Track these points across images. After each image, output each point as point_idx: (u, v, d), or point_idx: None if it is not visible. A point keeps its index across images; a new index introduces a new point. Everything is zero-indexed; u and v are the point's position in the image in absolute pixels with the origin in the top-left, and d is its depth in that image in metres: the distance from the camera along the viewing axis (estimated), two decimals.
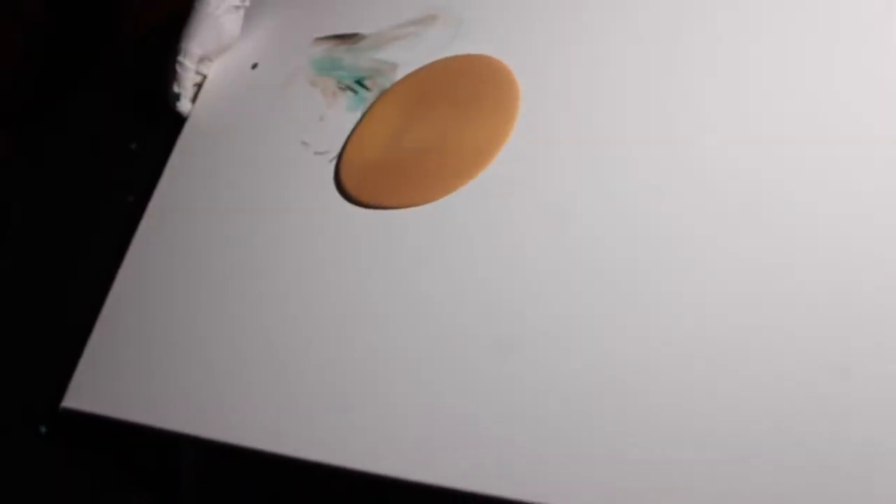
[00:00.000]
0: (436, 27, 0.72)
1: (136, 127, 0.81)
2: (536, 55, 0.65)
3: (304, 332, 0.58)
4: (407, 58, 0.71)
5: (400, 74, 0.71)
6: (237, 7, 0.78)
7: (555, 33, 0.66)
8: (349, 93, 0.72)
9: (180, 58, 0.76)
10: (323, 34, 0.77)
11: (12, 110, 0.89)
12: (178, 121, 0.78)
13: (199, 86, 0.79)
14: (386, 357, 0.54)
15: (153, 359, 0.62)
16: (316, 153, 0.69)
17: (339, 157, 0.68)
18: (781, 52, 0.56)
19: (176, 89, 0.76)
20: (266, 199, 0.68)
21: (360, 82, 0.72)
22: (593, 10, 0.65)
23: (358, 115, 0.70)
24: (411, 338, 0.53)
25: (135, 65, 0.87)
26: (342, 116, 0.70)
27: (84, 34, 0.92)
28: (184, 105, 0.77)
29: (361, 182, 0.65)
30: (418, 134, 0.66)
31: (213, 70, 0.80)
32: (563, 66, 0.63)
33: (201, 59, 0.78)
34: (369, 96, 0.71)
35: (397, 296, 0.56)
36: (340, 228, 0.63)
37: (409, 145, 0.66)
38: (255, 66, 0.79)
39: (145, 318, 0.65)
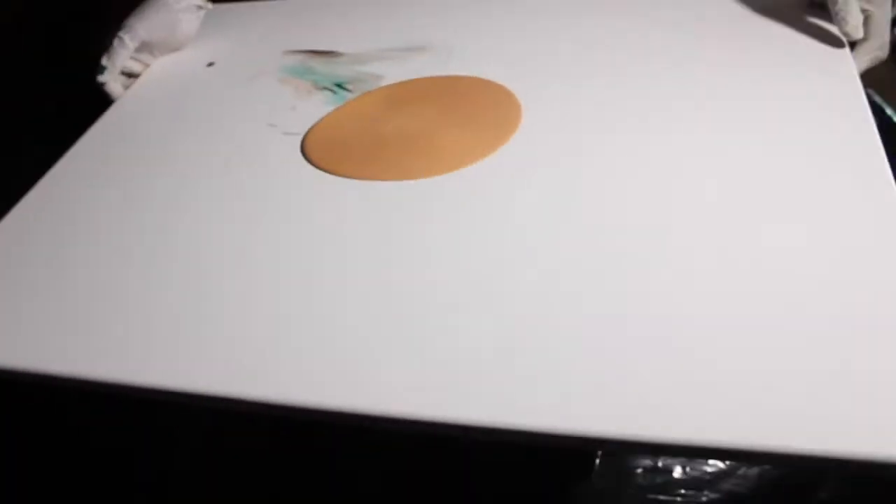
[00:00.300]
0: (426, 55, 0.67)
1: None
2: (534, 84, 0.60)
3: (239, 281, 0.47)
4: (394, 73, 0.65)
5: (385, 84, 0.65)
6: (198, 7, 0.71)
7: (549, 66, 0.63)
8: (327, 92, 0.64)
9: (122, 33, 0.67)
10: (294, 48, 0.70)
11: None
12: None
13: (132, 75, 0.70)
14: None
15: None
16: (286, 133, 0.60)
17: (308, 132, 0.60)
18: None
19: (104, 61, 0.66)
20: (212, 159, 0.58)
21: (340, 85, 0.65)
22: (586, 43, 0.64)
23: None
24: (351, 294, 0.45)
25: None
26: (317, 108, 0.63)
27: None
28: (109, 82, 0.67)
29: (329, 154, 0.57)
30: (401, 124, 0.59)
31: (156, 65, 0.70)
32: (558, 96, 0.59)
33: (143, 45, 0.69)
34: (350, 97, 0.63)
35: (350, 257, 0.48)
36: (300, 187, 0.55)
37: (389, 131, 0.59)
38: (210, 64, 0.69)
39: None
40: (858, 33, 0.55)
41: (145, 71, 0.70)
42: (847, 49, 0.56)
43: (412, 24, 0.71)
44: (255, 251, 0.50)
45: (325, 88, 0.64)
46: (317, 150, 0.58)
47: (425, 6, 0.73)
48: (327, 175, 0.55)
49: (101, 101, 0.67)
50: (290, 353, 0.42)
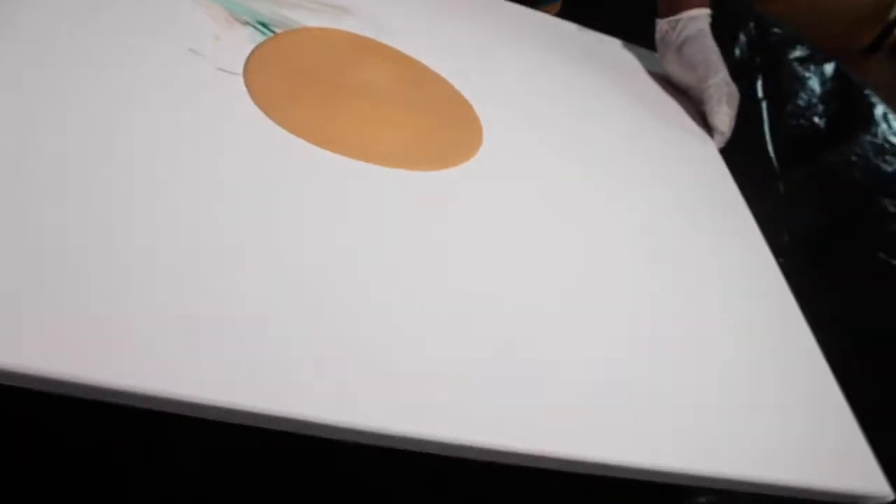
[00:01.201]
0: (352, 18, 0.65)
1: None
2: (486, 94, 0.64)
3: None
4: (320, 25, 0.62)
5: None
6: None
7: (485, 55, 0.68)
8: (249, 28, 0.59)
9: None
10: None
11: None
12: None
13: None
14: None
15: None
16: (219, 69, 0.53)
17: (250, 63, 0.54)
18: None
19: None
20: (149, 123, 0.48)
21: (264, 24, 0.60)
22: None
23: None
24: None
25: None
26: (245, 44, 0.57)
27: None
28: None
29: (284, 103, 0.52)
30: (365, 81, 0.58)
31: None
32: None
33: None
34: None
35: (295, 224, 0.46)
36: (254, 148, 0.49)
37: (351, 86, 0.57)
38: None
39: None
40: (724, 128, 0.68)
41: None
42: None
43: None
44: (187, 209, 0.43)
45: (248, 24, 0.59)
46: (269, 97, 0.51)
47: None
48: (285, 133, 0.50)
49: None
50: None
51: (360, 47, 0.62)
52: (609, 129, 0.68)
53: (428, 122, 0.58)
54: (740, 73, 0.77)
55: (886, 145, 0.72)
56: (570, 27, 0.80)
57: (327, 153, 0.50)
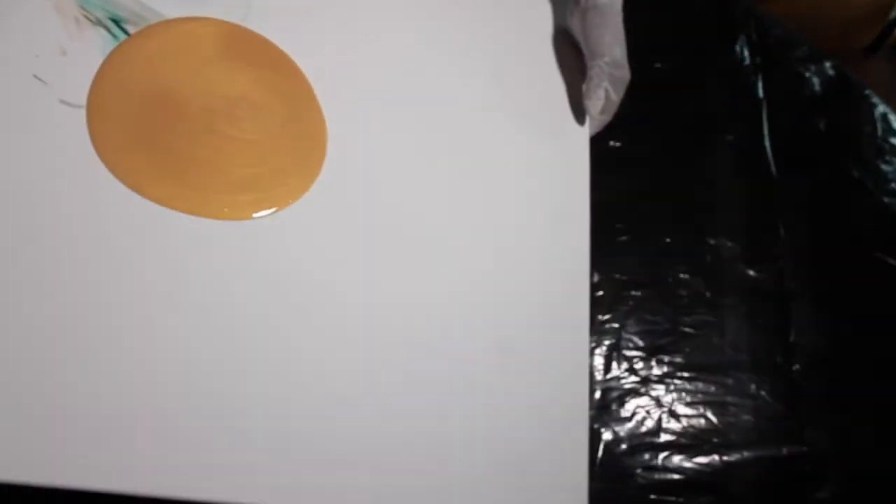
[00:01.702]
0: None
1: None
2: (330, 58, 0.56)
3: None
4: (182, 14, 0.53)
5: None
6: None
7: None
8: (101, 30, 0.49)
9: None
10: None
11: None
12: None
13: None
14: None
15: None
16: (62, 101, 0.46)
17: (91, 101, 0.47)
18: None
19: None
20: None
21: (118, 23, 0.50)
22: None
23: None
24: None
25: None
26: (94, 54, 0.48)
27: None
28: None
29: (123, 150, 0.47)
30: (200, 113, 0.50)
31: None
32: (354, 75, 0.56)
33: None
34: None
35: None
36: (94, 204, 0.45)
37: (187, 124, 0.49)
38: None
39: None
40: (594, 112, 0.61)
41: None
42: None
43: None
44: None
45: (100, 24, 0.49)
46: (112, 150, 0.46)
47: None
48: (126, 191, 0.45)
49: None
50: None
51: (220, 43, 0.53)
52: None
53: (272, 144, 0.51)
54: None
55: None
56: None
57: (166, 211, 0.46)
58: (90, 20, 0.49)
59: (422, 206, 0.53)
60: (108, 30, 0.49)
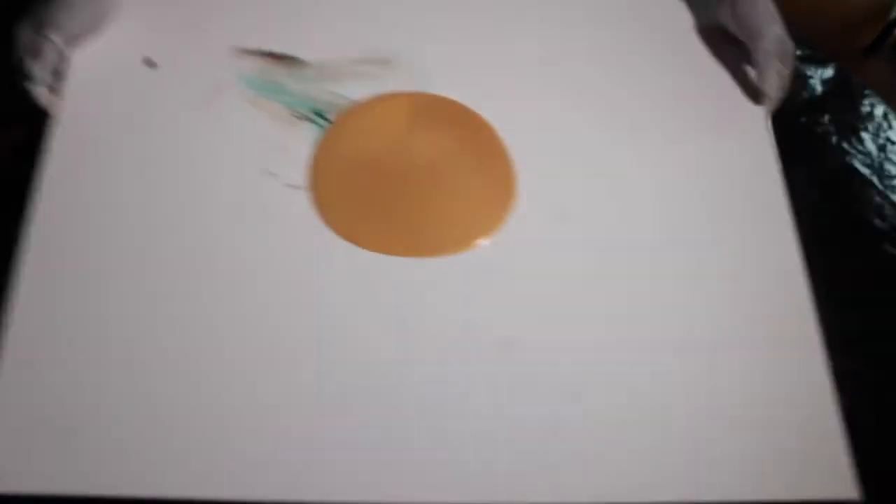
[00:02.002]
0: (395, 71, 0.62)
1: None
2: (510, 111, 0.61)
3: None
4: (368, 94, 0.61)
5: None
6: None
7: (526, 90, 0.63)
8: (309, 123, 0.59)
9: (48, 32, 0.55)
10: (244, 45, 0.62)
11: None
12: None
13: (59, 73, 0.56)
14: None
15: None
16: (288, 185, 0.56)
17: (312, 184, 0.56)
18: None
19: (36, 70, 0.54)
20: (229, 236, 0.53)
21: (319, 114, 0.59)
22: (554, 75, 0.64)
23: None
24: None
25: None
26: (307, 144, 0.58)
27: None
28: (41, 92, 0.55)
29: (344, 215, 0.55)
30: (402, 171, 0.58)
31: (80, 60, 0.58)
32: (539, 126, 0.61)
33: (70, 39, 0.56)
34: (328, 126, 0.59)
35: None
36: (328, 266, 0.54)
37: (393, 184, 0.58)
38: (151, 63, 0.59)
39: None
40: (772, 93, 0.63)
41: (72, 72, 0.57)
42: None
43: (373, 24, 0.64)
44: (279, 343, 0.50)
45: (306, 118, 0.59)
46: (334, 214, 0.55)
47: (381, 4, 0.66)
48: (350, 246, 0.54)
49: None
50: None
51: (409, 110, 0.61)
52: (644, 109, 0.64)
53: (469, 190, 0.58)
54: None
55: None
56: None
57: (382, 257, 0.54)
58: (298, 117, 0.58)
59: (612, 227, 0.57)
60: (314, 121, 0.58)
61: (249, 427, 0.47)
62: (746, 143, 0.62)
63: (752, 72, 0.64)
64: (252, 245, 0.53)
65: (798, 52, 0.71)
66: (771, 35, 0.62)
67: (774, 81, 0.62)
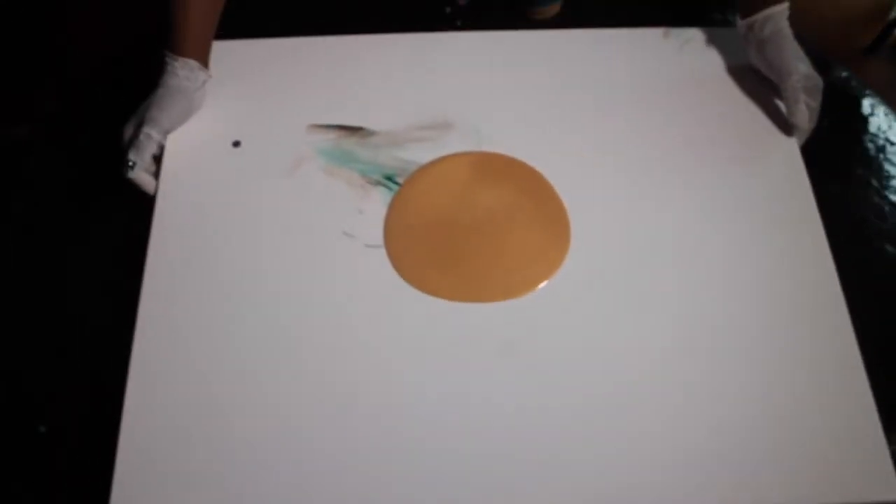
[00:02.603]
0: (453, 133, 0.68)
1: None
2: (564, 167, 0.66)
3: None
4: (431, 157, 0.67)
5: None
6: (205, 81, 0.65)
7: (578, 147, 0.68)
8: (381, 187, 0.64)
9: (147, 129, 0.63)
10: (315, 122, 0.68)
11: None
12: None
13: (157, 158, 0.64)
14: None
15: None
16: (367, 245, 0.62)
17: (386, 242, 0.62)
18: None
19: (133, 157, 0.62)
20: (317, 294, 0.60)
21: (390, 178, 0.65)
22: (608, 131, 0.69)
23: None
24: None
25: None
26: (380, 207, 0.64)
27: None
28: (140, 175, 0.63)
29: (418, 270, 0.61)
30: (468, 224, 0.64)
31: (173, 144, 0.65)
32: (593, 183, 0.66)
33: (165, 132, 0.65)
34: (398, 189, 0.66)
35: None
36: (409, 315, 0.60)
37: (461, 236, 0.63)
38: (237, 143, 0.65)
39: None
40: (803, 125, 0.66)
41: (165, 155, 0.65)
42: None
43: (430, 92, 0.70)
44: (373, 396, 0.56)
45: (378, 183, 0.65)
46: (408, 268, 0.61)
47: (436, 73, 0.72)
48: (425, 296, 0.60)
49: None
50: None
51: (469, 168, 0.67)
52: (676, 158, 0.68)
53: (527, 236, 0.63)
54: None
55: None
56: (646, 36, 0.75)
57: (456, 304, 0.60)
58: (371, 183, 0.64)
59: (661, 269, 0.61)
60: (386, 185, 0.64)
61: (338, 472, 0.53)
62: (781, 174, 0.66)
63: (782, 107, 0.68)
64: (335, 301, 0.59)
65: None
66: (798, 74, 0.66)
67: (804, 115, 0.66)
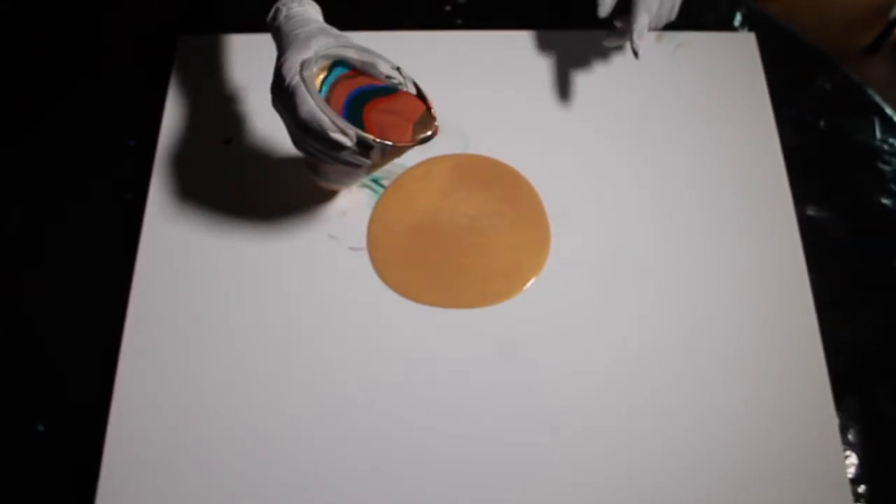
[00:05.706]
0: (440, 135, 0.67)
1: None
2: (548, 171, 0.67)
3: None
4: (417, 160, 0.67)
5: None
6: None
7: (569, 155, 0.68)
8: (366, 190, 0.65)
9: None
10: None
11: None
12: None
13: None
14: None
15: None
16: (350, 248, 0.63)
17: (369, 246, 0.63)
18: None
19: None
20: (303, 296, 0.61)
21: (376, 181, 0.66)
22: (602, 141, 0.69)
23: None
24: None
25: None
26: (364, 210, 0.65)
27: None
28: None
29: (401, 275, 0.62)
30: (450, 228, 0.64)
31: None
32: (576, 186, 0.66)
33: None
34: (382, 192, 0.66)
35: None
36: (390, 320, 0.61)
37: (443, 239, 0.64)
38: (228, 141, 0.67)
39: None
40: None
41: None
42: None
43: None
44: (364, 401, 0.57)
45: (365, 186, 0.66)
46: (390, 272, 0.62)
47: (423, 73, 0.71)
48: (406, 302, 0.61)
49: None
50: None
51: (453, 172, 0.67)
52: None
53: (508, 242, 0.64)
54: None
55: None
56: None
57: (436, 310, 0.61)
58: (358, 185, 0.65)
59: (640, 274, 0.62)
60: (371, 188, 0.65)
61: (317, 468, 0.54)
62: (761, 178, 0.67)
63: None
64: (317, 303, 0.60)
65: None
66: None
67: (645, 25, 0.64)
